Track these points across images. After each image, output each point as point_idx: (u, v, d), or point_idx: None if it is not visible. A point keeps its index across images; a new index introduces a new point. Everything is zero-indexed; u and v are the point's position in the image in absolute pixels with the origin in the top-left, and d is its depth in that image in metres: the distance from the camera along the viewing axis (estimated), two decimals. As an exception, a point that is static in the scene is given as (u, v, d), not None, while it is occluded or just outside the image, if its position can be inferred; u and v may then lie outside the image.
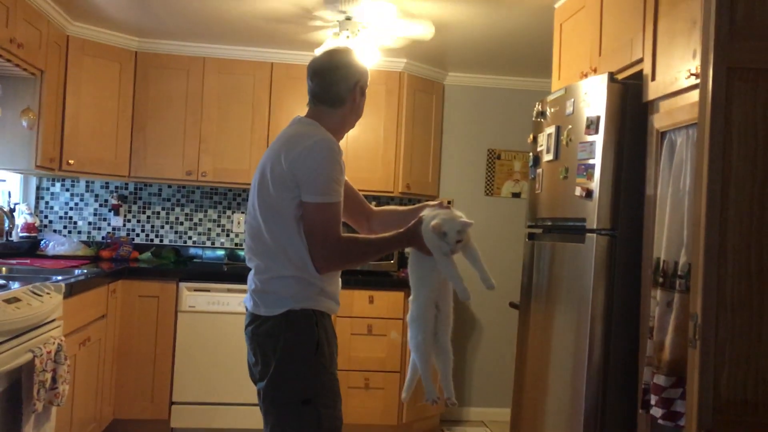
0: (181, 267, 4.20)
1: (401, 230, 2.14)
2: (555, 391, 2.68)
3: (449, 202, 2.20)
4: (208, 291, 3.98)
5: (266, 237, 2.09)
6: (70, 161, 3.99)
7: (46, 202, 4.53)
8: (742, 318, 1.61)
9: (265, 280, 2.10)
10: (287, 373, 2.07)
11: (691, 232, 2.04)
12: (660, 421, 2.11)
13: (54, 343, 2.63)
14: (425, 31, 3.80)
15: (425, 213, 2.13)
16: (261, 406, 2.13)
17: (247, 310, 2.17)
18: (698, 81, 1.81)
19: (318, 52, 3.52)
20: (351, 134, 4.43)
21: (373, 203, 4.63)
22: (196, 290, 3.97)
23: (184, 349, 3.95)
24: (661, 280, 2.19)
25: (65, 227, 4.54)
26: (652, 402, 2.14)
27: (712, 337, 1.59)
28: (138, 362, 3.92)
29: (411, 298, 2.16)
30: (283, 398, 2.08)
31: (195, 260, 4.59)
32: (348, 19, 3.37)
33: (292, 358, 2.07)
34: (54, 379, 2.60)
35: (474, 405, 4.77)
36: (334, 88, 2.15)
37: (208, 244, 4.66)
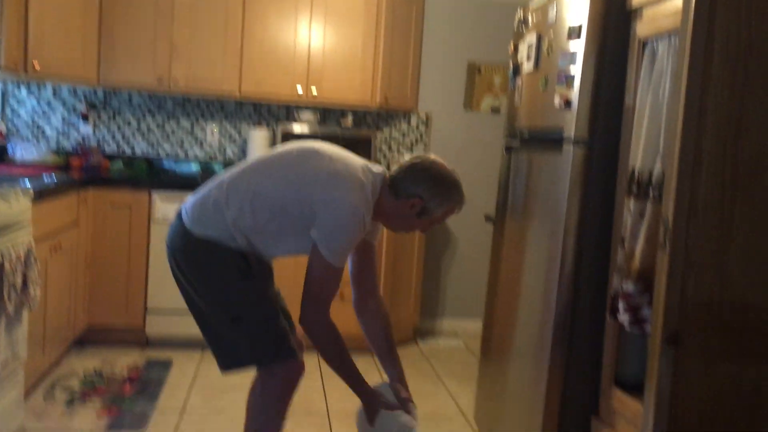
0: (153, 177, 4.14)
1: (368, 389, 2.18)
2: (526, 302, 2.72)
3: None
4: (182, 200, 3.91)
5: (248, 186, 2.11)
6: (35, 62, 3.83)
7: (12, 109, 4.38)
8: (713, 223, 1.61)
9: (216, 209, 2.12)
10: (215, 292, 2.13)
11: (668, 140, 2.03)
12: (627, 328, 2.16)
13: (23, 246, 2.60)
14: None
15: (386, 397, 2.20)
16: (194, 317, 2.22)
17: (181, 218, 2.18)
18: (684, -16, 1.76)
19: None
20: (328, 45, 4.32)
21: (350, 117, 4.58)
22: (169, 200, 3.92)
23: (158, 259, 3.93)
24: (635, 189, 2.20)
25: (33, 134, 4.41)
26: (620, 308, 2.18)
27: (682, 240, 1.59)
28: (111, 271, 3.91)
29: None
30: (213, 314, 2.15)
31: (168, 173, 4.52)
32: None
33: (219, 279, 2.12)
34: (25, 283, 2.59)
35: (447, 317, 4.87)
36: (409, 184, 2.12)
37: (182, 155, 4.57)
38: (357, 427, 2.25)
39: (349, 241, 2.06)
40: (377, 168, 2.19)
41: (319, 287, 2.07)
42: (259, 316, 2.16)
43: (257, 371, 2.24)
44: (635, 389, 2.20)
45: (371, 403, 2.18)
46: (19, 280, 2.53)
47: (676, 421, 1.73)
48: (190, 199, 2.22)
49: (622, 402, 2.20)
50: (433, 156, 2.21)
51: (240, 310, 2.14)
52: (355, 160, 2.18)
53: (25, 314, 2.73)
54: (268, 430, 2.21)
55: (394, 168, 2.18)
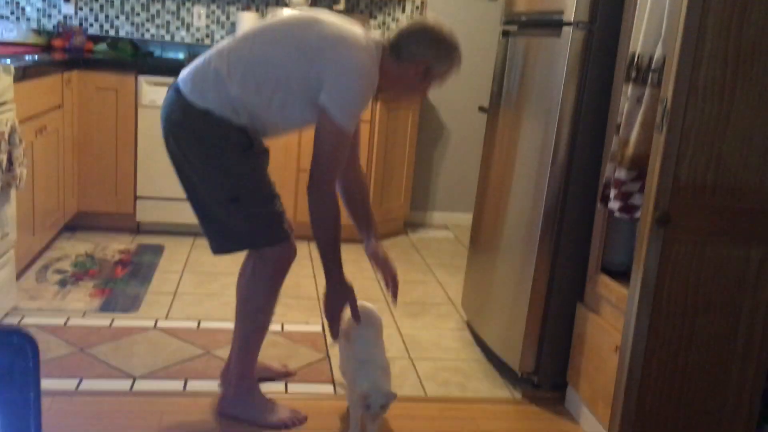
0: (139, 61, 4.02)
1: (342, 278, 2.14)
2: (517, 191, 2.71)
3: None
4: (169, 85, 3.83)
5: (251, 57, 2.04)
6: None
7: (-10, -14, 4.19)
8: (711, 103, 1.58)
9: (218, 81, 2.03)
10: (214, 170, 2.07)
11: (671, 21, 1.96)
12: (617, 214, 2.16)
13: (7, 124, 2.54)
14: None
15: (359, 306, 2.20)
16: (189, 197, 2.16)
17: (178, 90, 2.09)
18: None
19: None
20: None
21: (342, 2, 4.41)
22: (156, 84, 3.82)
23: (146, 144, 3.88)
24: (633, 75, 2.14)
25: (13, 13, 4.25)
26: (611, 196, 2.17)
27: (680, 121, 1.57)
28: (100, 156, 3.86)
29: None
30: (211, 193, 2.10)
31: (154, 56, 4.38)
32: None
33: (213, 155, 2.05)
34: (10, 161, 2.55)
35: (438, 210, 4.89)
36: (412, 47, 2.07)
37: (168, 38, 4.42)
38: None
39: (360, 102, 2.03)
40: (376, 35, 2.15)
41: (329, 154, 2.03)
42: (258, 196, 2.12)
43: (249, 254, 2.25)
44: (621, 278, 2.23)
45: (341, 293, 2.17)
46: (3, 159, 2.49)
47: (660, 303, 1.77)
48: (187, 70, 2.13)
49: (607, 287, 2.23)
50: (431, 16, 2.16)
51: (239, 189, 2.09)
52: (355, 26, 2.12)
53: (13, 194, 2.71)
54: (259, 313, 2.23)
55: (394, 32, 2.13)
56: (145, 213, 3.98)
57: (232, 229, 2.13)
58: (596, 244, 2.36)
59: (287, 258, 2.18)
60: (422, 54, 2.07)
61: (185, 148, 2.07)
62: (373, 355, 2.16)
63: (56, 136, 3.46)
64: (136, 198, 3.94)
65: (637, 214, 2.10)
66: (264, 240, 2.14)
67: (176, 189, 3.87)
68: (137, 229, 4.05)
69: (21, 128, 2.71)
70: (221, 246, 2.18)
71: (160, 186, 3.93)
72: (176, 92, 2.08)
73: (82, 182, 3.86)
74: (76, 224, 3.94)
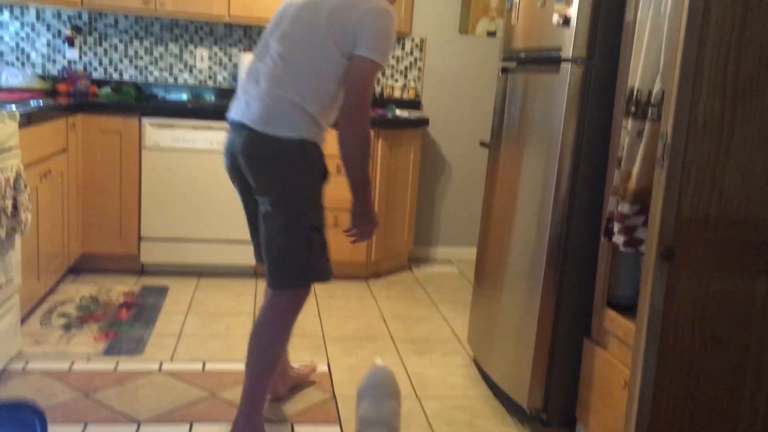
0: (143, 103, 4.06)
1: (371, 203, 2.28)
2: (521, 226, 2.71)
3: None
4: (173, 127, 3.87)
5: (302, 68, 2.12)
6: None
7: (-4, 33, 4.27)
8: (711, 137, 1.59)
9: (282, 100, 2.11)
10: (300, 198, 2.15)
11: (668, 55, 1.98)
12: (622, 248, 2.16)
13: (12, 170, 2.56)
14: None
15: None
16: (266, 227, 2.19)
17: (243, 123, 2.14)
18: None
19: None
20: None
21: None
22: (160, 126, 3.86)
23: (150, 185, 3.91)
24: (633, 109, 2.15)
25: (18, 59, 4.31)
26: (615, 230, 2.17)
27: (680, 155, 1.57)
28: (104, 198, 3.88)
29: None
30: (294, 226, 2.15)
31: (157, 98, 4.43)
32: None
33: (305, 184, 2.15)
34: (15, 207, 2.56)
35: (441, 245, 4.88)
36: None
37: (171, 81, 4.48)
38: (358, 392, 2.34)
39: (392, 41, 2.16)
40: None
41: (368, 88, 2.14)
42: (324, 226, 2.22)
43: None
44: (627, 312, 2.21)
45: (374, 213, 2.28)
46: (9, 205, 2.50)
47: (667, 338, 1.75)
48: (249, 108, 2.16)
49: (614, 321, 2.22)
50: None
51: (320, 218, 2.20)
52: None
53: (18, 239, 2.72)
54: (272, 347, 2.25)
55: None
56: (149, 254, 3.98)
57: (307, 261, 2.18)
58: (601, 279, 2.35)
59: (307, 295, 2.25)
60: None
61: (278, 182, 2.13)
62: (378, 416, 2.14)
63: (61, 179, 3.48)
64: (140, 239, 3.95)
65: (643, 248, 2.10)
66: (326, 274, 2.24)
67: (180, 229, 3.93)
68: (141, 270, 4.05)
69: (26, 173, 2.73)
70: (288, 280, 2.20)
71: (163, 227, 3.94)
72: (254, 133, 2.12)
73: (87, 224, 3.87)
74: (81, 267, 3.94)
